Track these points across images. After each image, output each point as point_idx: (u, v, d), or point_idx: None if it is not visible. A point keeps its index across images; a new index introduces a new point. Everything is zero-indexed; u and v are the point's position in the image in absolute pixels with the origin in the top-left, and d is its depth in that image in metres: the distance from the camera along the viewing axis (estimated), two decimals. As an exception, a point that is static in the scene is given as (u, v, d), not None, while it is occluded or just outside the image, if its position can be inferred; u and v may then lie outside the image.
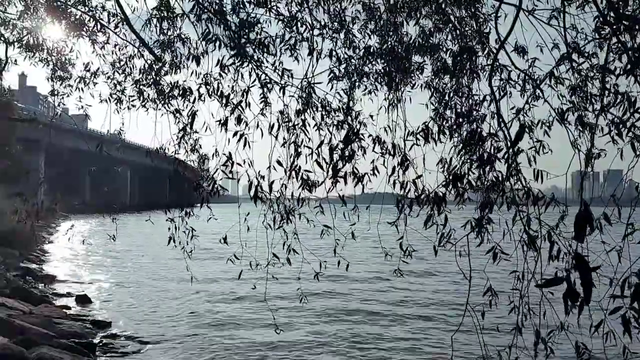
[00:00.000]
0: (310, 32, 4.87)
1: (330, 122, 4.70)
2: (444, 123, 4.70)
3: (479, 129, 4.26)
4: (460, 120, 4.69)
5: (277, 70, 4.62)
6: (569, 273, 2.50)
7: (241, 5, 4.67)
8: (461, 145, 4.10)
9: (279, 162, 4.29)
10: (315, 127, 4.61)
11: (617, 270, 3.41)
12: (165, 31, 5.53)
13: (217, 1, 4.69)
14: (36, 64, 7.31)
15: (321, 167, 4.23)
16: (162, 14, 5.50)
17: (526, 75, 4.63)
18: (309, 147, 4.40)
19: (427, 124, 4.30)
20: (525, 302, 4.15)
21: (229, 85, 4.64)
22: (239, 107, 4.41)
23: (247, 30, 4.53)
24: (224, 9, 4.70)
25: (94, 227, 31.11)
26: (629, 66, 3.29)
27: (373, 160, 4.44)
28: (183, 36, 5.50)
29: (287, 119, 4.53)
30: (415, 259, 4.93)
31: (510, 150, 3.63)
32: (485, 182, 4.01)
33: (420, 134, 4.23)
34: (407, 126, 4.59)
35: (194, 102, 4.99)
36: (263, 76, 4.55)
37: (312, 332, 11.52)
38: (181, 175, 5.73)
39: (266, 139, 4.42)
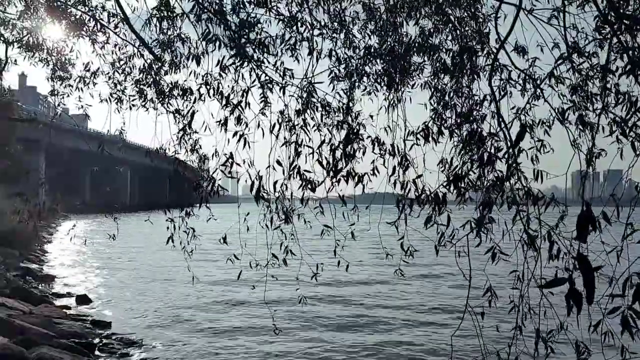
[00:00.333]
0: (310, 32, 4.87)
1: (330, 122, 4.70)
2: (443, 123, 4.70)
3: (479, 129, 4.26)
4: (460, 120, 4.69)
5: (277, 70, 4.62)
6: (572, 273, 2.49)
7: (241, 5, 4.67)
8: (461, 145, 4.10)
9: (278, 162, 4.29)
10: (315, 128, 4.61)
11: (615, 270, 3.40)
12: (165, 31, 5.53)
13: (217, 1, 4.69)
14: (36, 64, 7.34)
15: (322, 166, 4.23)
16: (162, 14, 5.49)
17: (526, 75, 4.63)
18: (309, 147, 4.41)
19: (427, 124, 4.30)
20: (526, 302, 4.15)
21: (229, 86, 4.64)
22: (239, 107, 4.41)
23: (247, 30, 4.53)
24: (224, 9, 4.70)
25: (94, 227, 31.07)
26: (629, 66, 3.29)
27: (373, 161, 4.44)
28: (183, 36, 5.50)
29: (287, 119, 4.53)
30: (415, 259, 4.92)
31: (511, 150, 3.63)
32: (486, 182, 4.00)
33: (420, 134, 4.24)
34: (407, 126, 4.60)
35: (194, 102, 4.99)
36: (263, 76, 4.55)
37: (310, 339, 11.34)
38: (181, 175, 5.73)
39: (266, 139, 4.42)
